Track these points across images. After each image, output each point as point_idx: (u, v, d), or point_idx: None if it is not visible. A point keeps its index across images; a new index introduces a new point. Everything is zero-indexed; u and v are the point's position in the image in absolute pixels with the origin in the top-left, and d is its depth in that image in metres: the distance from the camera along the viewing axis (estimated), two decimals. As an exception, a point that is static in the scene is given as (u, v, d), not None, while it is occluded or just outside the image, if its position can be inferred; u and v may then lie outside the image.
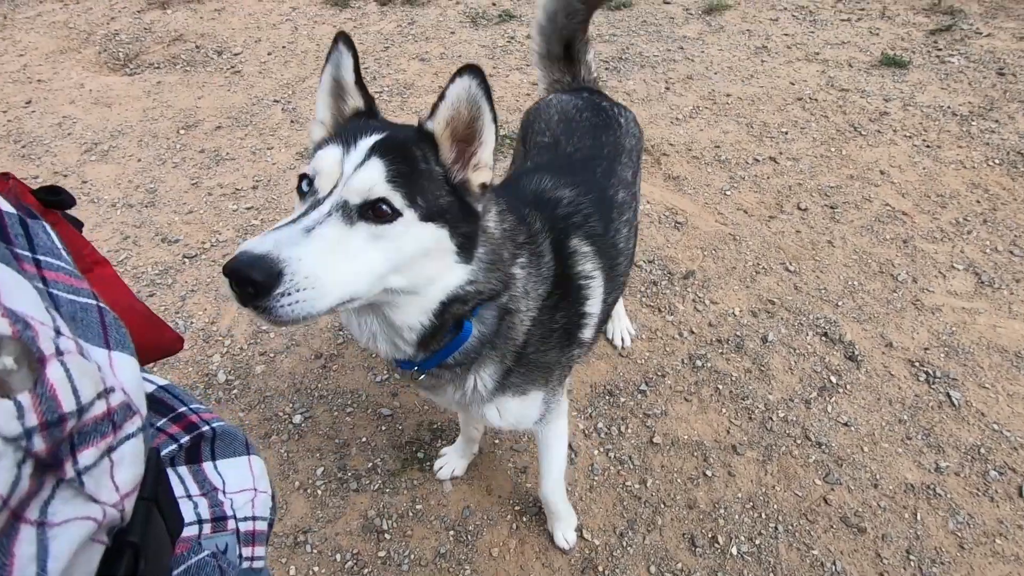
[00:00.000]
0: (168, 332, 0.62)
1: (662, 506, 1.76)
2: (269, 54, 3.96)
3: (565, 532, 1.67)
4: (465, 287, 0.97)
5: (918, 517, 1.71)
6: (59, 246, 0.40)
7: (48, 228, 0.41)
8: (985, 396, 1.97)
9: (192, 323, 2.29)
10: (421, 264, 0.89)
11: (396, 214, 0.84)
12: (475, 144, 0.93)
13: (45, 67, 3.91)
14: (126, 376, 0.36)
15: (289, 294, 0.74)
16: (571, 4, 1.63)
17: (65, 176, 3.03)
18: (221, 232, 2.67)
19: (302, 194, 0.90)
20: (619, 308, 2.15)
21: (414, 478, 1.85)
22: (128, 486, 0.35)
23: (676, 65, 3.63)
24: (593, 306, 1.29)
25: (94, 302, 0.37)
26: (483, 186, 0.96)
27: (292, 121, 3.35)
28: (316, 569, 1.65)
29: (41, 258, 0.36)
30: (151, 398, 0.56)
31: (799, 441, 1.89)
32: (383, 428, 1.97)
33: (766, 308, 2.29)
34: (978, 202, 2.67)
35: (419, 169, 0.89)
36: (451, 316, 0.99)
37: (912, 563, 1.62)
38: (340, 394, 2.06)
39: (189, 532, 0.51)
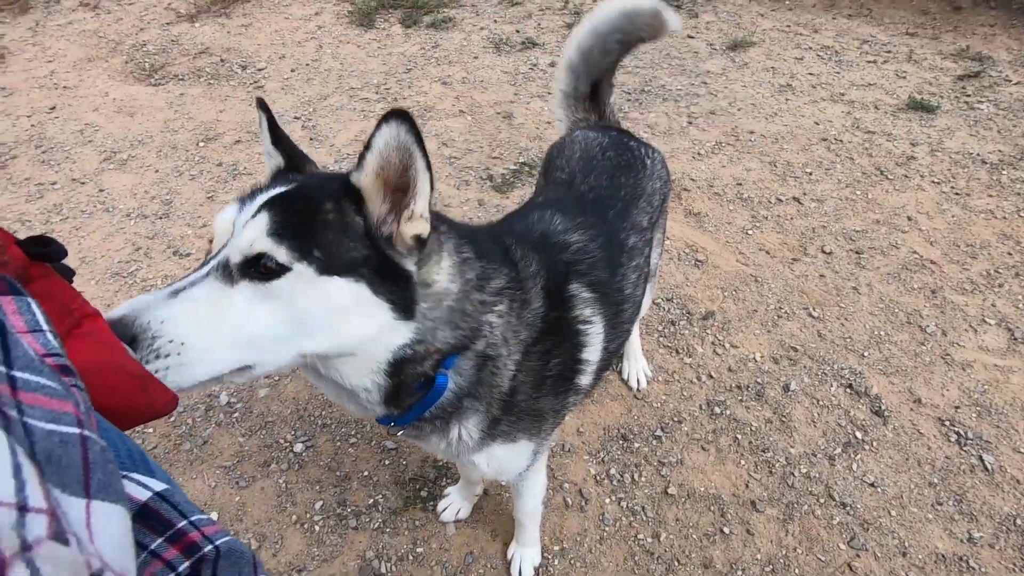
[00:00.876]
0: (160, 394, 0.57)
1: (676, 563, 1.67)
2: (292, 71, 3.99)
3: (524, 564, 1.63)
4: (414, 346, 0.89)
5: None
6: (44, 326, 0.34)
7: (34, 305, 0.35)
8: (1021, 462, 1.87)
9: (198, 341, 2.24)
10: (338, 323, 0.82)
11: (284, 269, 0.77)
12: (409, 194, 0.85)
13: (72, 74, 3.95)
14: (107, 535, 0.30)
15: (148, 361, 0.69)
16: (608, 43, 1.60)
17: (83, 183, 3.02)
18: (233, 248, 2.63)
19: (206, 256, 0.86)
20: (635, 347, 2.08)
21: (416, 518, 1.76)
22: None
23: (699, 100, 3.60)
24: (591, 353, 1.21)
25: (76, 431, 0.31)
26: (418, 239, 0.87)
27: (311, 139, 3.34)
28: (308, 612, 1.57)
29: (18, 375, 0.30)
30: (144, 511, 0.48)
31: (822, 500, 1.79)
32: (386, 462, 1.89)
33: (788, 355, 2.20)
34: (1009, 254, 2.59)
35: (320, 219, 0.81)
36: (411, 375, 0.92)
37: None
38: (344, 424, 1.99)
39: None
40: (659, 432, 1.97)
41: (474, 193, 2.97)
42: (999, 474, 1.84)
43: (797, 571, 1.64)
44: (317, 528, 1.73)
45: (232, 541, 0.51)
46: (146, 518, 0.49)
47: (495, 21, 4.61)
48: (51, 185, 3.00)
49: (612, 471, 1.87)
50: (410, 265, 0.87)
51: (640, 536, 1.72)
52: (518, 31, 4.44)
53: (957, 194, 2.90)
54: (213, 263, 0.78)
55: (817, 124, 3.37)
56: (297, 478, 1.85)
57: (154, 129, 3.42)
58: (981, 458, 1.88)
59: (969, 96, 3.59)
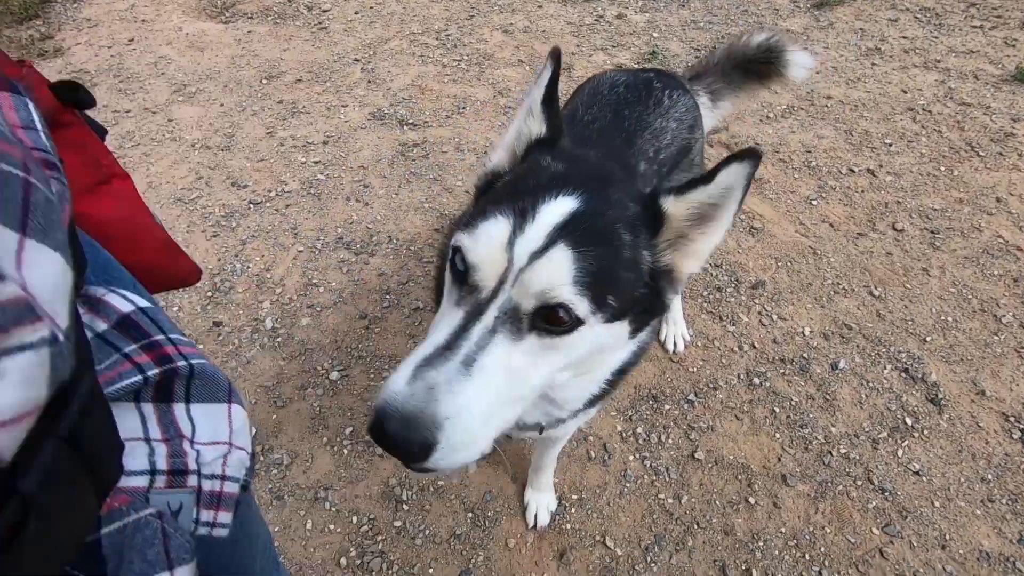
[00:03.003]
0: (185, 262, 0.58)
1: (695, 526, 1.64)
2: (356, 13, 3.98)
3: (541, 510, 1.63)
4: (636, 354, 0.89)
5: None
6: (38, 127, 0.34)
7: (31, 106, 0.35)
8: None
9: (248, 268, 2.33)
10: (592, 358, 0.76)
11: (577, 323, 0.66)
12: (700, 229, 0.75)
13: (150, 8, 4.09)
14: (38, 274, 0.28)
15: (444, 455, 0.61)
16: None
17: (154, 112, 3.15)
18: (287, 183, 2.70)
19: (457, 275, 0.70)
20: (676, 310, 2.01)
21: (440, 453, 1.80)
22: (9, 413, 0.27)
23: (775, 60, 3.35)
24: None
25: (20, 173, 0.30)
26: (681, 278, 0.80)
27: (369, 81, 3.34)
28: (332, 527, 1.64)
29: None
30: (125, 320, 0.48)
31: (859, 483, 1.71)
32: (416, 398, 1.93)
33: (841, 332, 2.08)
34: (1113, 246, 2.32)
35: (620, 259, 0.70)
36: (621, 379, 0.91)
37: None
38: (379, 357, 2.04)
39: (136, 483, 0.43)
40: (692, 396, 1.92)
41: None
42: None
43: (823, 549, 1.58)
44: (345, 452, 1.80)
45: (208, 364, 0.52)
46: (125, 327, 0.48)
47: (564, -31, 4.42)
48: (125, 113, 3.15)
49: (639, 429, 1.84)
50: (669, 299, 0.79)
51: (661, 496, 1.70)
52: (587, -20, 4.24)
53: (1060, 177, 2.61)
54: (496, 308, 0.64)
55: (905, 92, 3.09)
56: (331, 404, 1.92)
57: (221, 65, 3.51)
58: (1046, 459, 1.73)
59: (1090, 70, 3.18)
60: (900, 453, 1.76)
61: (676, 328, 2.03)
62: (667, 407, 1.90)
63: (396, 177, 2.75)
